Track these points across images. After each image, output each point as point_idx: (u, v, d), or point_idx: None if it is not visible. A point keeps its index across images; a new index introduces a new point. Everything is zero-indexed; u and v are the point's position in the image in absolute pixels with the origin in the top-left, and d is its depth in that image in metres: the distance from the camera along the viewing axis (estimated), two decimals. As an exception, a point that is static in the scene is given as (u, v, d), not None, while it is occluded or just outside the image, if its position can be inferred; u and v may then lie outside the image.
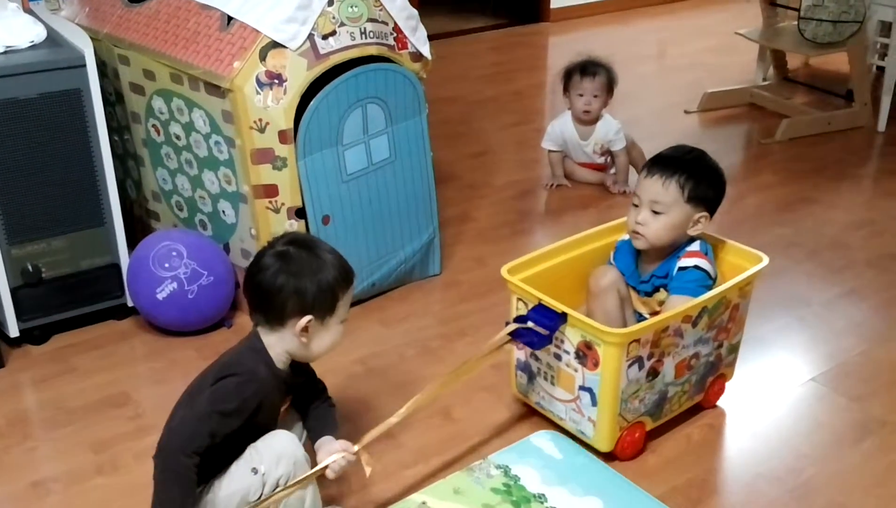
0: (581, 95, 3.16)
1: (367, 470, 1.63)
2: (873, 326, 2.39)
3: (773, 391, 2.13)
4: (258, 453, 1.53)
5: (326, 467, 1.59)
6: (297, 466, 1.55)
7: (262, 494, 1.52)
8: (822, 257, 2.76)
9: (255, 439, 1.55)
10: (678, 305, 1.82)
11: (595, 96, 3.15)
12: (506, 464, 1.85)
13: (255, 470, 1.51)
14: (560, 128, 3.24)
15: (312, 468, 1.57)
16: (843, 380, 2.16)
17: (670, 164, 1.91)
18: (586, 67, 3.18)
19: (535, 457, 1.87)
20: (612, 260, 2.05)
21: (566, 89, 3.22)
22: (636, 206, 1.94)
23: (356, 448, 1.64)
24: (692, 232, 1.93)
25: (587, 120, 3.19)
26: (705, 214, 1.92)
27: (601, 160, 3.26)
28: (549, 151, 3.28)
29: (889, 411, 2.05)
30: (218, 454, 1.51)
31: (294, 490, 1.54)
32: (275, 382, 1.59)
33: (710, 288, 1.88)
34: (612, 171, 3.24)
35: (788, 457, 1.90)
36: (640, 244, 1.95)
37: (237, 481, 1.51)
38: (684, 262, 1.92)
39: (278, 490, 1.53)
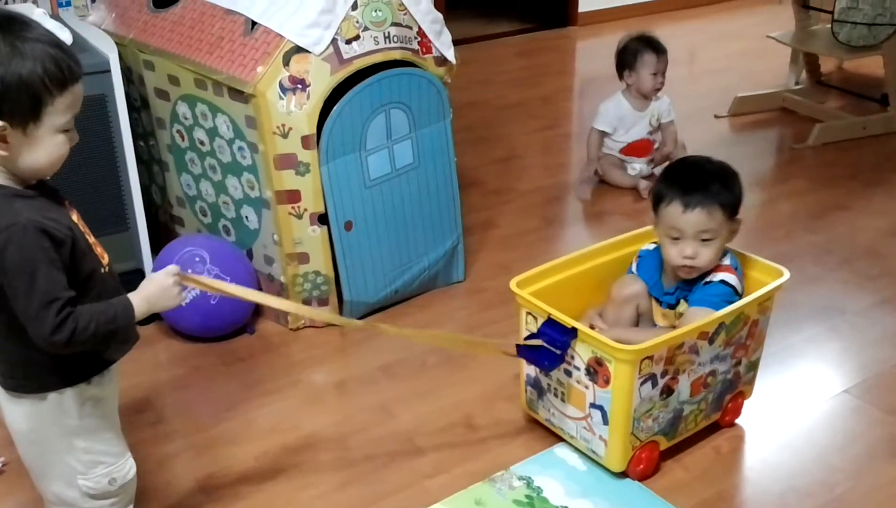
0: (654, 74, 3.13)
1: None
2: (909, 336, 2.33)
3: (804, 403, 2.07)
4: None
5: None
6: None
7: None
8: (855, 265, 2.69)
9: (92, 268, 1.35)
10: (696, 317, 1.77)
11: (663, 73, 3.16)
12: (528, 475, 1.82)
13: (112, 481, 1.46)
14: (615, 107, 3.20)
15: None
16: (878, 392, 2.10)
17: (703, 188, 1.82)
18: (657, 45, 3.15)
19: (559, 469, 1.84)
20: (634, 270, 2.00)
21: (630, 67, 3.16)
22: (676, 239, 1.84)
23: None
24: (729, 243, 1.90)
25: (651, 97, 3.19)
26: (739, 218, 1.88)
27: (656, 137, 3.26)
28: (601, 131, 3.21)
29: (925, 424, 1.99)
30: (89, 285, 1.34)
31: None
32: (37, 205, 1.28)
33: (733, 303, 1.82)
34: (651, 170, 3.23)
35: (820, 471, 1.85)
36: (692, 275, 1.88)
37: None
38: (711, 276, 1.87)
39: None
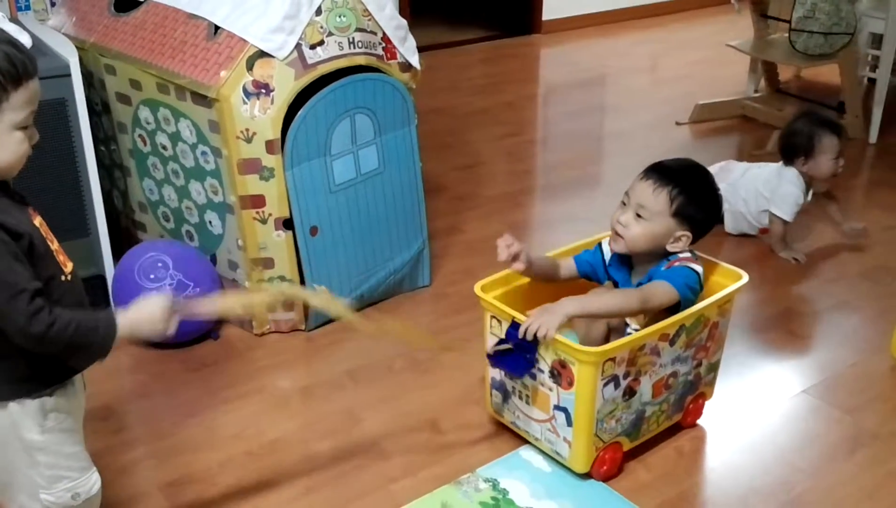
0: (835, 159, 2.70)
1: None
2: (865, 337, 2.38)
3: (764, 404, 2.11)
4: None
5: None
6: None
7: None
8: (813, 269, 2.75)
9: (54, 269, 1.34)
10: (657, 289, 1.77)
11: (843, 155, 2.74)
12: (494, 478, 1.82)
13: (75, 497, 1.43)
14: (799, 191, 2.75)
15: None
16: (836, 392, 2.14)
17: (667, 174, 1.85)
18: (835, 125, 2.75)
19: (524, 471, 1.85)
20: (607, 269, 2.00)
21: (807, 154, 2.70)
22: (624, 204, 1.88)
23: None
24: (670, 248, 1.85)
25: (828, 182, 2.84)
26: (687, 233, 1.84)
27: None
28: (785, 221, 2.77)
29: (881, 423, 2.03)
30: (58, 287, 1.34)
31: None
32: None
33: (695, 293, 1.84)
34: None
35: (781, 471, 1.88)
36: (617, 247, 1.89)
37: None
38: (677, 262, 1.86)
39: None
